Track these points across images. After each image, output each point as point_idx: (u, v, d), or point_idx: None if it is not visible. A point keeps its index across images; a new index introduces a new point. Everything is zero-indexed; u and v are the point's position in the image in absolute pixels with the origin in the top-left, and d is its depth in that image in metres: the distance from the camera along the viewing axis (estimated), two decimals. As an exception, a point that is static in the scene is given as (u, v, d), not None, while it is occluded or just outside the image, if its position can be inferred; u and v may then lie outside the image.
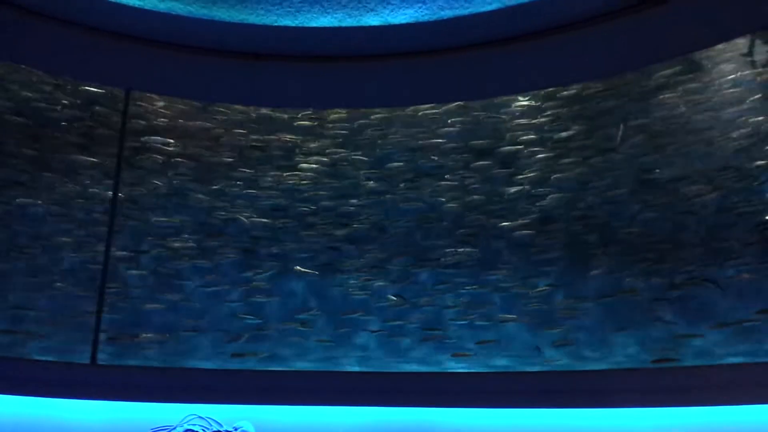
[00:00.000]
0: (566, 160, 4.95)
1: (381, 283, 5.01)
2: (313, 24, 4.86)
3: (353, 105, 5.22)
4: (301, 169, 5.35)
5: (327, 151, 5.38)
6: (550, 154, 5.01)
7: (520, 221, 4.91)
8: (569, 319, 4.61)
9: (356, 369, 4.82)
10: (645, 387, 4.04)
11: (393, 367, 4.78)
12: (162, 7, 4.71)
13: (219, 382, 4.52)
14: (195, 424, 4.11)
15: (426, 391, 4.46)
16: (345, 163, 5.32)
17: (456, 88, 5.02)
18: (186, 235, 5.12)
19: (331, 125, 5.44)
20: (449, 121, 5.31)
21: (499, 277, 4.84)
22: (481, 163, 5.12)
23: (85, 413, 4.41)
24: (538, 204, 4.91)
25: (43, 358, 4.62)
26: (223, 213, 5.21)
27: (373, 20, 4.81)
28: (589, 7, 4.69)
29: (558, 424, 4.24)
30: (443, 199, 5.14)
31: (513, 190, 5.01)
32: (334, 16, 4.79)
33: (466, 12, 4.72)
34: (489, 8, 4.70)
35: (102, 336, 4.74)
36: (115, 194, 4.96)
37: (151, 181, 5.17)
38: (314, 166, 5.35)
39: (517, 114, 5.20)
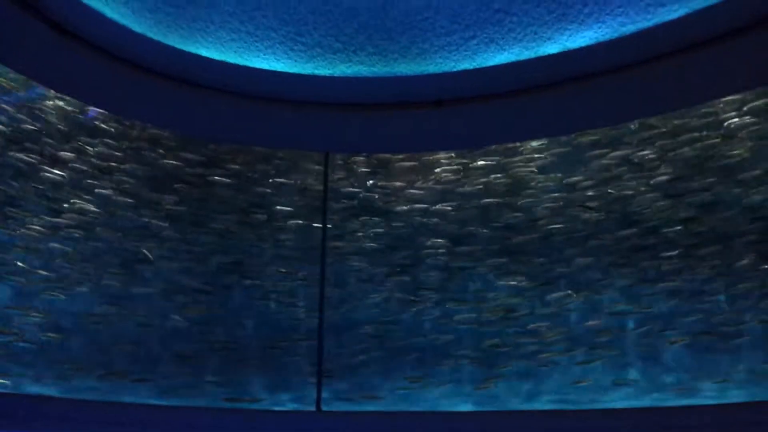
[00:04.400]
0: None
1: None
2: (491, 63, 4.95)
3: (542, 135, 5.17)
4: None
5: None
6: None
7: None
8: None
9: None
10: None
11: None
12: (350, 72, 5.11)
13: (439, 424, 4.53)
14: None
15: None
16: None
17: (653, 102, 4.74)
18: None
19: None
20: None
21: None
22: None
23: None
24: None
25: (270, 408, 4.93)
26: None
27: (551, 48, 4.80)
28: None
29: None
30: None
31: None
32: (511, 51, 4.86)
33: (650, 24, 4.53)
34: (675, 16, 4.47)
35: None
36: (324, 236, 5.34)
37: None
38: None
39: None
